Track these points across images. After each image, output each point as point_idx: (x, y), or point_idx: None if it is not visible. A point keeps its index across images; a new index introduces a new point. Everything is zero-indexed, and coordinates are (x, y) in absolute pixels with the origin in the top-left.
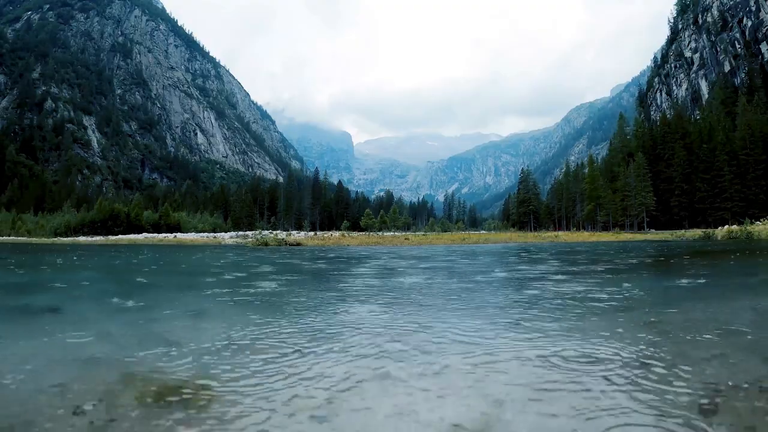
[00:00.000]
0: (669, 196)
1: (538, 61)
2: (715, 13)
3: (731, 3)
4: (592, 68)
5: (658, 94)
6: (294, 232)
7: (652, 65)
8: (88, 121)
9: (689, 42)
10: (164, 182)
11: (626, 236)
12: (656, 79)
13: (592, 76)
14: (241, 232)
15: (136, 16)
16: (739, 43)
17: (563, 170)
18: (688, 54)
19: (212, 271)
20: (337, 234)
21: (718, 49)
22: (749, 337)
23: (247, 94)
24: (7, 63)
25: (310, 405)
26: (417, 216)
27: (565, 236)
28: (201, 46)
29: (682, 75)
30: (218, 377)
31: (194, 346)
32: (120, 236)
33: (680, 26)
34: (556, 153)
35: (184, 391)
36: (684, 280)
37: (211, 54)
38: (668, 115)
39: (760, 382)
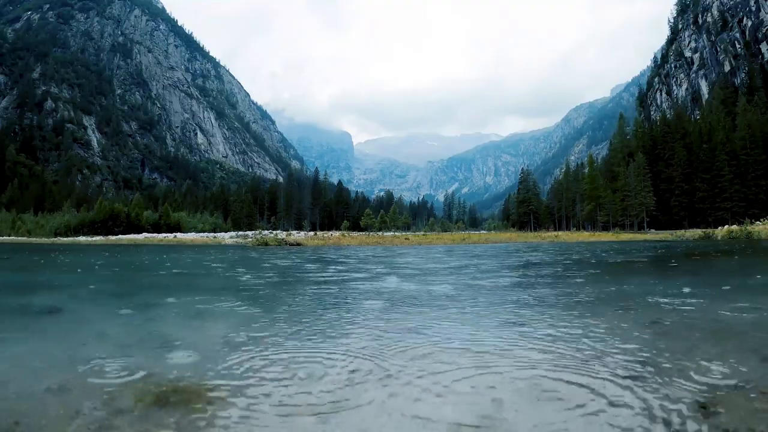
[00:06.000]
0: (669, 196)
1: (538, 61)
2: (715, 13)
3: (731, 3)
4: (592, 68)
5: (658, 94)
6: (294, 232)
7: (652, 65)
8: (88, 121)
9: (689, 42)
10: (164, 182)
11: (626, 236)
12: (656, 79)
13: (592, 76)
14: (241, 232)
15: (136, 16)
16: (739, 43)
17: (563, 170)
18: (688, 54)
19: (212, 271)
20: (337, 234)
21: (718, 49)
22: (749, 337)
23: (247, 94)
24: (7, 63)
25: (311, 405)
26: (417, 216)
27: (565, 236)
28: (201, 46)
29: (682, 75)
30: (218, 377)
31: (194, 347)
32: (120, 236)
33: (680, 26)
34: (556, 153)
35: (184, 391)
36: (684, 280)
37: (211, 54)
38: (668, 115)
39: (760, 382)
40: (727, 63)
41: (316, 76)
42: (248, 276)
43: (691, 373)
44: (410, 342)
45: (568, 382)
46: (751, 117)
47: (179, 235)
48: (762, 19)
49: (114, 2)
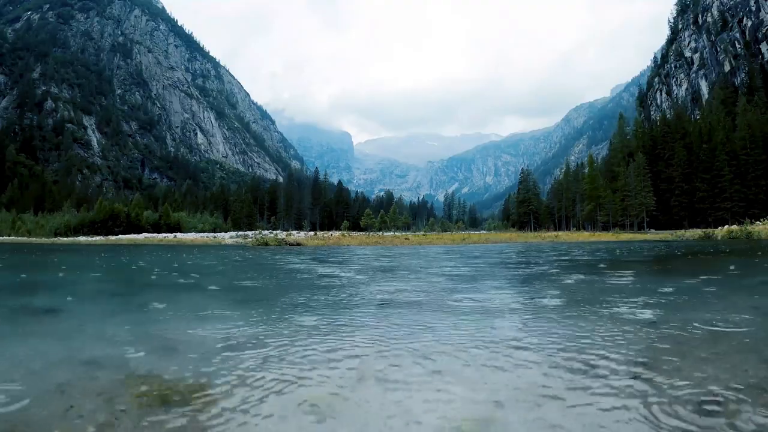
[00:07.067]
0: (669, 196)
1: (538, 61)
2: (715, 13)
3: (731, 3)
4: (592, 68)
5: (658, 94)
6: (294, 232)
7: (652, 65)
8: (88, 121)
9: (689, 42)
10: (164, 182)
11: (626, 236)
12: (656, 79)
13: (592, 76)
14: (241, 232)
15: (136, 16)
16: (739, 43)
17: (563, 170)
18: (688, 54)
19: (212, 272)
20: (337, 234)
21: (718, 49)
22: (749, 337)
23: (247, 94)
24: (7, 63)
25: (310, 405)
26: (417, 216)
27: (565, 236)
28: (201, 46)
29: (682, 75)
30: (218, 377)
31: (194, 347)
32: (120, 236)
33: (680, 26)
34: (556, 153)
35: (184, 391)
36: (683, 280)
37: (211, 54)
38: (668, 115)
39: (760, 382)
40: (727, 63)
41: (316, 76)
42: (248, 276)
43: (691, 373)
44: (409, 342)
45: (567, 382)
46: (751, 117)
47: (179, 235)
48: (762, 19)
49: (114, 2)
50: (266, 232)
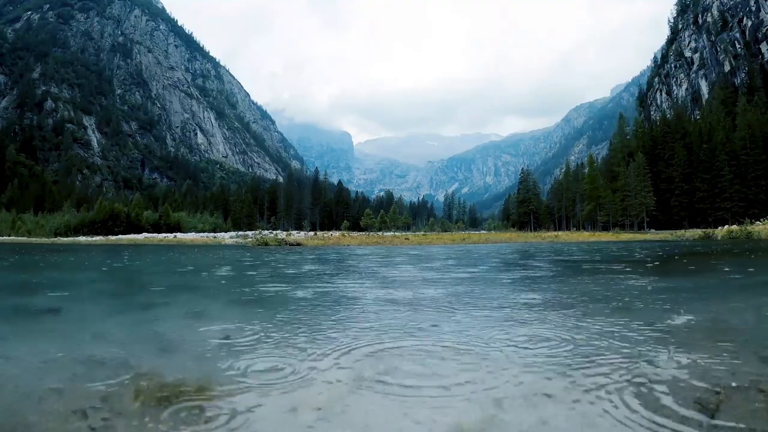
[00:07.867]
0: (669, 196)
1: (538, 61)
2: (715, 13)
3: (731, 3)
4: (592, 68)
5: (658, 94)
6: (294, 232)
7: (652, 65)
8: (88, 121)
9: (689, 42)
10: (164, 182)
11: (626, 236)
12: (656, 79)
13: (592, 76)
14: (241, 232)
15: (136, 16)
16: (739, 43)
17: (563, 170)
18: (688, 54)
19: (212, 272)
20: (337, 234)
21: (718, 49)
22: (749, 337)
23: (247, 94)
24: (7, 63)
25: (311, 405)
26: (417, 216)
27: (565, 236)
28: (201, 46)
29: (682, 75)
30: (218, 377)
31: (194, 346)
32: (120, 236)
33: (680, 26)
34: (556, 153)
35: (184, 391)
36: (683, 280)
37: (211, 54)
38: (668, 115)
39: (760, 382)
40: (727, 63)
41: (316, 76)
42: (248, 276)
43: (690, 374)
44: (410, 342)
45: (566, 382)
46: (751, 117)
47: (179, 235)
48: (762, 19)
49: (114, 2)
50: (266, 232)
